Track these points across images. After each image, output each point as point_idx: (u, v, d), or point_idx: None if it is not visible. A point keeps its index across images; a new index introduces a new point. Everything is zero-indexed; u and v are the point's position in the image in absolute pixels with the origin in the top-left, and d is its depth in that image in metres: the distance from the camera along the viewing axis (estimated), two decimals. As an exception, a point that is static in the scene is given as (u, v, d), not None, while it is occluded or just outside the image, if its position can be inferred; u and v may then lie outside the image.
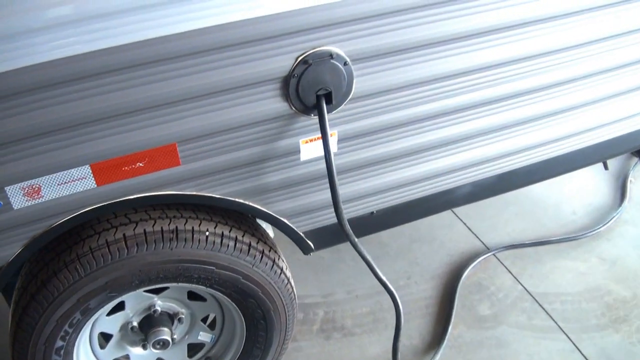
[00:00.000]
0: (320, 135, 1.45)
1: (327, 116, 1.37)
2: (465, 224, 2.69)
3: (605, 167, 2.40)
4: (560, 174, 2.01)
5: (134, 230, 1.49)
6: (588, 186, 2.90)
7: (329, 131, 1.44)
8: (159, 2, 1.18)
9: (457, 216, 2.74)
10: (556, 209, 2.76)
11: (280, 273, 1.68)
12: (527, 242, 2.54)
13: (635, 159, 2.98)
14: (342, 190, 1.58)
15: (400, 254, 2.54)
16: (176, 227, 1.51)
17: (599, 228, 2.59)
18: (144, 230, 1.49)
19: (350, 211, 1.64)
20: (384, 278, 1.62)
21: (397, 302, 1.65)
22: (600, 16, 1.63)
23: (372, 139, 1.53)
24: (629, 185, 2.85)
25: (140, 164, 1.34)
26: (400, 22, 1.37)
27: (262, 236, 1.68)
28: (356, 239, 1.54)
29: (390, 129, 1.53)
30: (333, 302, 2.31)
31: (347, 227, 1.49)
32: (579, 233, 2.58)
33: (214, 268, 1.56)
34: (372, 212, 1.68)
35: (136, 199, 1.39)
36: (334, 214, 1.56)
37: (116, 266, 1.48)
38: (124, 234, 1.48)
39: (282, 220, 1.56)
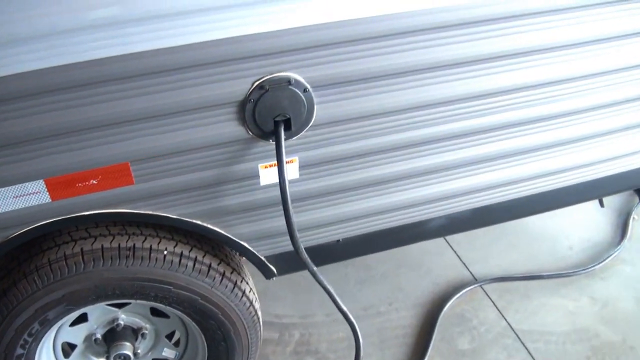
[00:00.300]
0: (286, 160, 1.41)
1: (283, 143, 1.32)
2: (455, 251, 2.60)
3: (601, 204, 2.29)
4: (548, 209, 1.91)
5: (92, 245, 1.46)
6: (588, 220, 2.77)
7: (286, 158, 1.41)
8: (116, 22, 1.16)
9: (447, 243, 2.65)
10: (552, 242, 2.65)
11: (242, 296, 1.63)
12: (517, 276, 2.44)
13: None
14: (305, 217, 1.54)
15: (386, 278, 2.46)
16: (134, 244, 1.48)
17: (594, 266, 2.46)
18: (102, 245, 1.46)
19: (314, 238, 1.59)
20: (344, 308, 1.56)
21: (357, 334, 1.59)
22: (601, 50, 1.55)
23: (335, 167, 1.47)
24: (631, 222, 2.71)
25: (94, 181, 1.32)
26: (364, 51, 1.31)
27: (225, 257, 1.64)
28: (314, 268, 1.49)
29: (355, 158, 1.47)
30: (310, 324, 2.25)
31: (304, 255, 1.44)
32: (572, 270, 2.46)
33: (171, 287, 1.53)
34: (338, 240, 1.62)
35: (91, 215, 1.37)
36: (287, 240, 1.53)
37: (73, 280, 1.46)
38: (81, 249, 1.46)
39: (242, 244, 1.52)
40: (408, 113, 1.45)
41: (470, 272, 2.48)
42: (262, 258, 1.56)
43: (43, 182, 1.29)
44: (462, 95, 1.48)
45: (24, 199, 1.30)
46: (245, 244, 1.52)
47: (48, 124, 1.21)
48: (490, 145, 1.59)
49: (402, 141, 1.49)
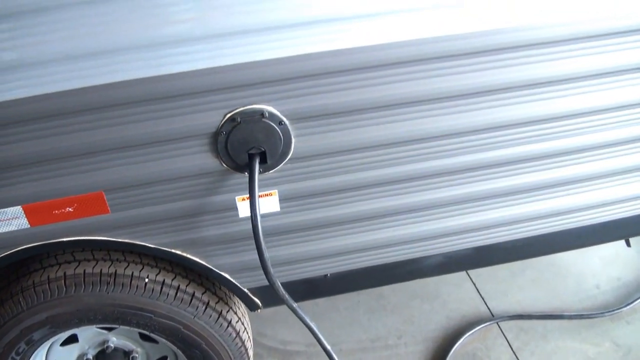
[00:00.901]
0: (260, 193, 1.32)
1: (257, 177, 1.23)
2: (474, 283, 2.42)
3: (628, 244, 2.06)
4: (559, 250, 1.73)
5: (74, 269, 1.42)
6: (620, 258, 2.51)
7: (265, 191, 1.32)
8: (90, 52, 1.12)
9: (467, 273, 2.47)
10: (578, 279, 2.41)
11: (228, 326, 1.55)
12: (536, 314, 2.23)
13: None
14: (288, 250, 1.43)
15: (397, 309, 2.32)
16: (115, 270, 1.43)
17: (620, 308, 2.21)
18: (84, 271, 1.42)
19: (299, 272, 1.49)
20: (328, 347, 1.45)
21: None
22: (625, 81, 1.38)
23: (318, 201, 1.37)
24: (668, 262, 2.45)
25: (70, 209, 1.27)
26: (342, 83, 1.21)
27: (212, 286, 1.56)
28: (294, 304, 1.38)
29: (338, 192, 1.36)
30: (314, 353, 2.13)
31: (281, 290, 1.34)
32: (597, 311, 2.22)
33: (152, 315, 1.46)
34: (326, 275, 1.51)
35: (71, 241, 1.33)
36: (277, 272, 1.43)
37: (55, 303, 1.43)
38: (64, 273, 1.42)
39: (223, 275, 1.44)
40: (393, 147, 1.32)
41: (488, 307, 2.30)
42: (245, 290, 1.47)
43: (21, 208, 1.26)
44: (454, 130, 1.34)
45: (5, 223, 1.28)
46: (227, 276, 1.44)
47: (23, 152, 1.18)
48: (489, 183, 1.44)
49: (388, 177, 1.36)
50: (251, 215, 1.24)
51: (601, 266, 2.47)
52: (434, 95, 1.28)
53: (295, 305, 1.38)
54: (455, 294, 2.38)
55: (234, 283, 1.45)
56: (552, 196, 1.51)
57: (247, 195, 1.32)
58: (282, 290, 1.34)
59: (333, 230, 1.42)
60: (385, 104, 1.26)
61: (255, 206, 1.23)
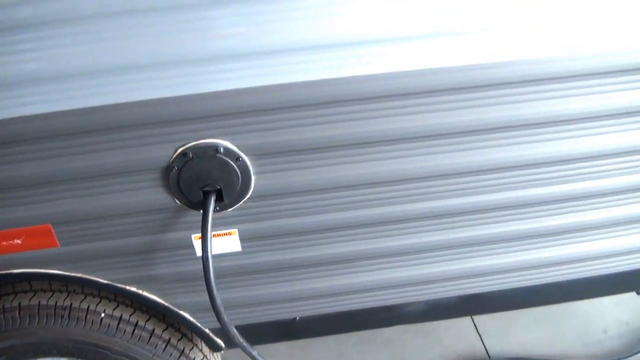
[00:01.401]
0: (219, 232, 1.20)
1: (211, 216, 1.10)
2: (473, 319, 2.23)
3: (638, 292, 1.85)
4: (555, 302, 1.55)
5: (29, 300, 1.32)
6: (630, 301, 2.28)
7: (225, 230, 1.19)
8: (39, 78, 1.01)
9: (466, 309, 2.29)
10: (585, 321, 2.20)
11: (190, 365, 1.43)
12: (536, 358, 2.04)
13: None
14: (252, 292, 1.29)
15: (389, 342, 2.15)
16: (71, 303, 1.32)
17: (628, 356, 2.00)
18: (39, 302, 1.31)
19: (266, 314, 1.35)
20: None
21: None
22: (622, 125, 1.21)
23: (282, 242, 1.22)
24: (684, 308, 2.21)
25: (18, 241, 1.17)
26: (308, 118, 1.07)
27: (175, 322, 1.44)
28: (252, 349, 1.25)
29: (304, 234, 1.22)
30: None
31: (233, 332, 1.20)
32: (602, 358, 2.02)
33: (108, 352, 1.34)
34: (295, 318, 1.37)
35: (21, 273, 1.23)
36: (242, 313, 1.31)
37: (10, 334, 1.32)
38: (19, 303, 1.31)
39: (182, 314, 1.31)
40: (365, 189, 1.18)
41: (485, 347, 2.11)
42: (206, 330, 1.34)
43: (-31, 238, 1.17)
44: (436, 171, 1.18)
45: (-46, 251, 1.19)
46: (186, 315, 1.31)
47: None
48: (475, 229, 1.27)
49: (360, 219, 1.21)
50: (202, 258, 1.11)
51: (610, 308, 2.25)
52: (414, 134, 1.13)
53: (251, 350, 1.24)
54: (451, 329, 2.20)
55: (193, 322, 1.32)
56: (544, 246, 1.34)
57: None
58: (235, 333, 1.20)
59: (300, 273, 1.28)
60: (355, 141, 1.12)
61: (207, 248, 1.10)
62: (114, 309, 1.34)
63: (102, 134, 1.05)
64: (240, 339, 1.21)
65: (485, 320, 2.23)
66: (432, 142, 1.15)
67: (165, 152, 1.08)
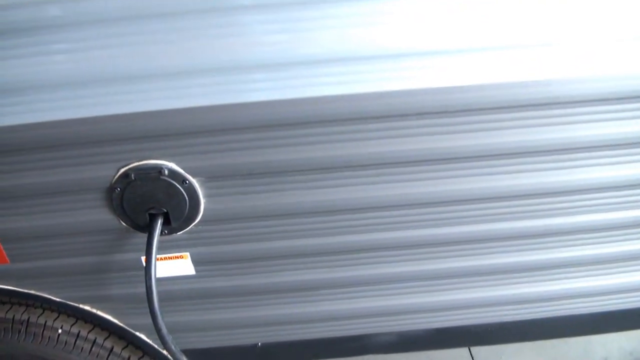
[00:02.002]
0: (170, 255, 1.11)
1: (156, 241, 1.00)
2: (467, 341, 2.10)
3: None
4: (546, 338, 1.40)
5: (-13, 313, 1.27)
6: (636, 331, 2.11)
7: (176, 253, 1.10)
8: None
9: (461, 329, 2.15)
10: (586, 348, 2.04)
11: (152, 385, 1.35)
12: (530, 386, 1.90)
13: None
14: (209, 316, 1.20)
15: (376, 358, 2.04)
16: (28, 318, 1.25)
17: (629, 392, 1.85)
18: (-4, 315, 1.27)
19: (225, 339, 1.25)
20: None
21: None
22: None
23: (237, 267, 1.13)
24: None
25: (-32, 255, 1.12)
26: (261, 140, 0.96)
27: (136, 340, 1.36)
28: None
29: (260, 260, 1.12)
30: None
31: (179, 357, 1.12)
32: (601, 391, 1.87)
33: (65, 369, 1.29)
34: (257, 344, 1.28)
35: (-26, 287, 1.17)
36: (201, 337, 1.22)
37: (-32, 346, 1.29)
38: (-23, 315, 1.27)
39: (138, 336, 1.23)
40: (321, 216, 1.06)
41: (477, 370, 1.98)
42: (163, 352, 1.26)
43: None
44: (403, 200, 1.06)
45: None
46: (142, 336, 1.24)
47: None
48: (443, 262, 1.14)
49: (321, 247, 1.10)
50: (146, 285, 1.02)
51: (613, 336, 2.07)
52: (374, 160, 1.01)
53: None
54: (445, 350, 2.07)
55: (150, 344, 1.24)
56: (527, 281, 1.20)
57: (159, 256, 1.11)
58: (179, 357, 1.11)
59: (258, 299, 1.18)
60: (311, 167, 1.00)
61: (151, 275, 1.01)
62: (71, 326, 1.27)
63: (44, 152, 0.97)
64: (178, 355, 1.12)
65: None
66: (393, 169, 1.02)
67: (108, 172, 0.99)
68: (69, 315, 1.28)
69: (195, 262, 1.12)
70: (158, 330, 1.06)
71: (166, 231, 1.06)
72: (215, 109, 0.93)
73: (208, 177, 1.01)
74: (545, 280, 1.24)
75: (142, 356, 1.34)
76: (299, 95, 0.93)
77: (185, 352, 1.26)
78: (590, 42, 0.94)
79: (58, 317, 1.27)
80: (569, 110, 0.98)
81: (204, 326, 1.22)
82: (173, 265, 1.11)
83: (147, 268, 1.01)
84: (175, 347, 1.09)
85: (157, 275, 1.12)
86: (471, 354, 2.03)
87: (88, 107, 0.93)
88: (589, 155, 1.04)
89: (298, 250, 1.12)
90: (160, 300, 1.15)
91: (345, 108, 0.95)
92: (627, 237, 1.19)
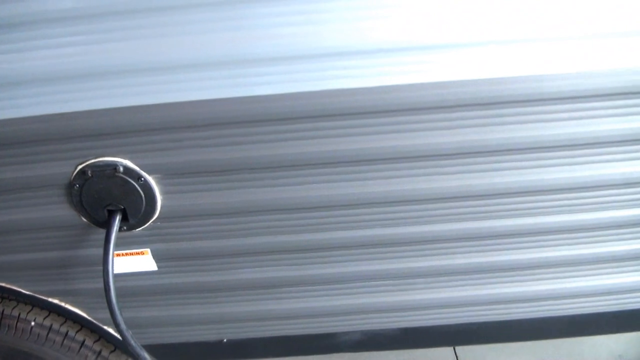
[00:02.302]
0: (132, 251, 1.12)
1: (114, 237, 1.01)
2: (453, 341, 2.07)
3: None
4: (520, 340, 1.38)
5: (-38, 304, 1.30)
6: (627, 333, 2.05)
7: (137, 249, 1.11)
8: None
9: (447, 328, 2.12)
10: (573, 350, 1.99)
11: (124, 378, 1.36)
12: (513, 387, 1.87)
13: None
14: (172, 312, 1.21)
15: (358, 357, 2.02)
16: (3, 310, 1.28)
17: (614, 396, 1.80)
18: (-29, 307, 1.29)
19: (188, 334, 1.26)
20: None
21: None
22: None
23: (198, 264, 1.13)
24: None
25: (-60, 248, 1.14)
26: (216, 138, 0.96)
27: (106, 334, 1.37)
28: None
29: (219, 257, 1.12)
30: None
31: (139, 352, 1.12)
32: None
33: (38, 361, 1.31)
34: (223, 340, 1.28)
35: (-51, 279, 1.20)
36: (164, 332, 1.23)
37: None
38: (-47, 307, 1.30)
39: (106, 330, 1.25)
40: (281, 214, 1.06)
41: (461, 370, 1.96)
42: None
43: None
44: (366, 198, 1.05)
45: None
46: (110, 330, 1.25)
47: None
48: (405, 261, 1.14)
49: (279, 245, 1.10)
50: (103, 280, 1.03)
51: (602, 338, 2.03)
52: (330, 159, 1.00)
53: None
54: (428, 351, 2.05)
55: (118, 339, 1.26)
56: (514, 280, 1.19)
57: (122, 252, 1.11)
58: (143, 355, 1.12)
59: (221, 296, 1.18)
60: (268, 164, 1.00)
61: (108, 271, 1.02)
62: (44, 318, 1.29)
63: (3, 149, 0.98)
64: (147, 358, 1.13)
65: (469, 346, 2.06)
66: (357, 167, 1.01)
67: (67, 169, 1.00)
68: (41, 308, 1.31)
69: (157, 258, 1.12)
70: (117, 325, 1.07)
71: (125, 227, 1.07)
72: (167, 107, 0.93)
73: (165, 175, 1.02)
74: (533, 280, 1.22)
75: (114, 350, 1.36)
76: (273, 92, 0.92)
77: (151, 347, 1.29)
78: (591, 36, 0.92)
79: (31, 310, 1.30)
80: (572, 106, 0.96)
81: (168, 322, 1.23)
82: (135, 261, 1.12)
83: (105, 265, 1.02)
84: (135, 341, 1.10)
85: (120, 271, 1.14)
86: (456, 354, 2.01)
87: (45, 104, 0.94)
88: (592, 151, 1.02)
89: (259, 248, 1.12)
90: (123, 295, 1.17)
91: (300, 106, 0.94)
92: (620, 237, 1.17)
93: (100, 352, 1.32)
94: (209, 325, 1.24)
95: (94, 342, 1.32)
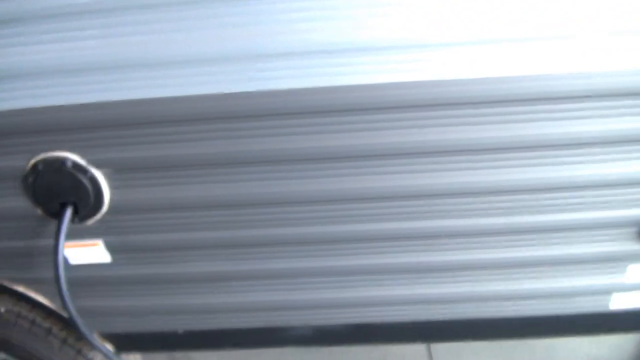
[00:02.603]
0: (85, 242, 1.17)
1: (65, 228, 1.06)
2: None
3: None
4: (473, 339, 1.39)
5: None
6: (605, 337, 2.03)
7: (89, 241, 1.16)
8: None
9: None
10: (548, 352, 1.98)
11: (89, 365, 1.42)
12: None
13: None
14: (127, 302, 1.25)
15: (333, 354, 2.04)
16: (-25, 296, 1.36)
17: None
18: (-55, 292, 1.37)
19: (147, 324, 1.30)
20: None
21: None
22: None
23: (149, 257, 1.17)
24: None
25: None
26: (160, 135, 1.01)
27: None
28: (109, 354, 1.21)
29: (168, 250, 1.16)
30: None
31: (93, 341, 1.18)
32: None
33: (8, 347, 1.37)
34: (177, 331, 1.32)
35: None
36: (121, 322, 1.29)
37: None
38: None
39: (63, 316, 1.30)
40: (231, 209, 1.10)
41: (434, 370, 1.96)
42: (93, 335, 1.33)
43: None
44: (321, 195, 1.08)
45: None
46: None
47: None
48: (358, 258, 1.17)
49: (229, 240, 1.14)
50: (54, 270, 1.09)
51: (579, 341, 2.00)
52: (284, 156, 1.04)
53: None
54: (401, 348, 2.05)
55: (78, 326, 1.31)
56: (488, 278, 1.21)
57: (74, 243, 1.17)
58: (97, 344, 1.17)
59: (174, 288, 1.22)
60: (217, 160, 1.04)
61: (58, 262, 1.07)
62: (14, 305, 1.36)
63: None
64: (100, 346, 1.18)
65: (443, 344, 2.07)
66: (310, 165, 1.06)
67: (22, 163, 1.05)
68: (10, 295, 1.37)
69: (110, 250, 1.18)
70: (69, 314, 1.12)
71: (77, 219, 1.12)
72: (111, 105, 0.98)
73: (114, 170, 1.07)
74: (508, 279, 1.23)
75: (80, 339, 1.42)
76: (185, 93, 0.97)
77: (109, 335, 1.34)
78: (588, 36, 0.93)
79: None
80: (567, 106, 0.98)
81: (124, 311, 1.27)
82: (88, 253, 1.18)
83: (55, 255, 1.08)
84: (86, 330, 1.16)
85: (76, 262, 1.20)
86: (430, 353, 2.02)
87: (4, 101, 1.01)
88: (583, 151, 1.04)
89: (212, 241, 1.15)
90: (80, 285, 1.22)
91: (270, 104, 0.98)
92: (595, 238, 1.18)
93: (65, 340, 1.38)
94: (165, 315, 1.28)
95: (60, 330, 1.38)
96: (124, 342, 1.33)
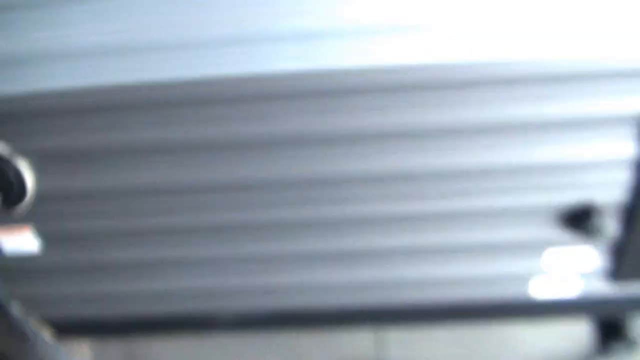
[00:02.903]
0: (15, 229, 1.20)
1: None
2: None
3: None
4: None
5: None
6: (562, 329, 2.03)
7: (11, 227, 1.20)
8: None
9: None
10: (507, 344, 2.00)
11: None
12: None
13: None
14: (66, 288, 1.29)
15: (287, 343, 2.05)
16: None
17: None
18: None
19: (86, 309, 1.34)
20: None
21: None
22: None
23: (79, 243, 1.21)
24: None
25: None
26: (79, 124, 1.04)
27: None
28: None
29: (97, 236, 1.20)
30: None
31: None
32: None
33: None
34: (113, 317, 1.35)
35: None
36: (63, 307, 1.33)
37: None
38: None
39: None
40: (155, 196, 1.14)
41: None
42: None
43: None
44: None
45: None
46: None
47: None
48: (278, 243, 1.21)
49: (150, 227, 1.18)
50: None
51: (534, 332, 2.01)
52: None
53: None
54: (353, 340, 2.05)
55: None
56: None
57: (3, 229, 1.21)
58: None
59: (105, 274, 1.25)
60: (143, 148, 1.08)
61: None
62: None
63: None
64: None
65: (398, 335, 2.08)
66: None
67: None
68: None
69: (40, 236, 1.21)
70: (-1, 300, 1.16)
71: (6, 206, 1.15)
72: (30, 96, 1.01)
73: (37, 159, 1.10)
74: (424, 264, 1.25)
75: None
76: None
77: (48, 321, 1.37)
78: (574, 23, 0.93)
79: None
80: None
81: (61, 297, 1.31)
82: (18, 240, 1.21)
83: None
84: (19, 315, 1.19)
85: (8, 249, 1.23)
86: (377, 340, 2.03)
87: None
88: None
89: (139, 229, 1.19)
90: (16, 271, 1.26)
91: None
92: (511, 223, 1.18)
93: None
94: (101, 301, 1.32)
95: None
96: (61, 328, 1.36)
